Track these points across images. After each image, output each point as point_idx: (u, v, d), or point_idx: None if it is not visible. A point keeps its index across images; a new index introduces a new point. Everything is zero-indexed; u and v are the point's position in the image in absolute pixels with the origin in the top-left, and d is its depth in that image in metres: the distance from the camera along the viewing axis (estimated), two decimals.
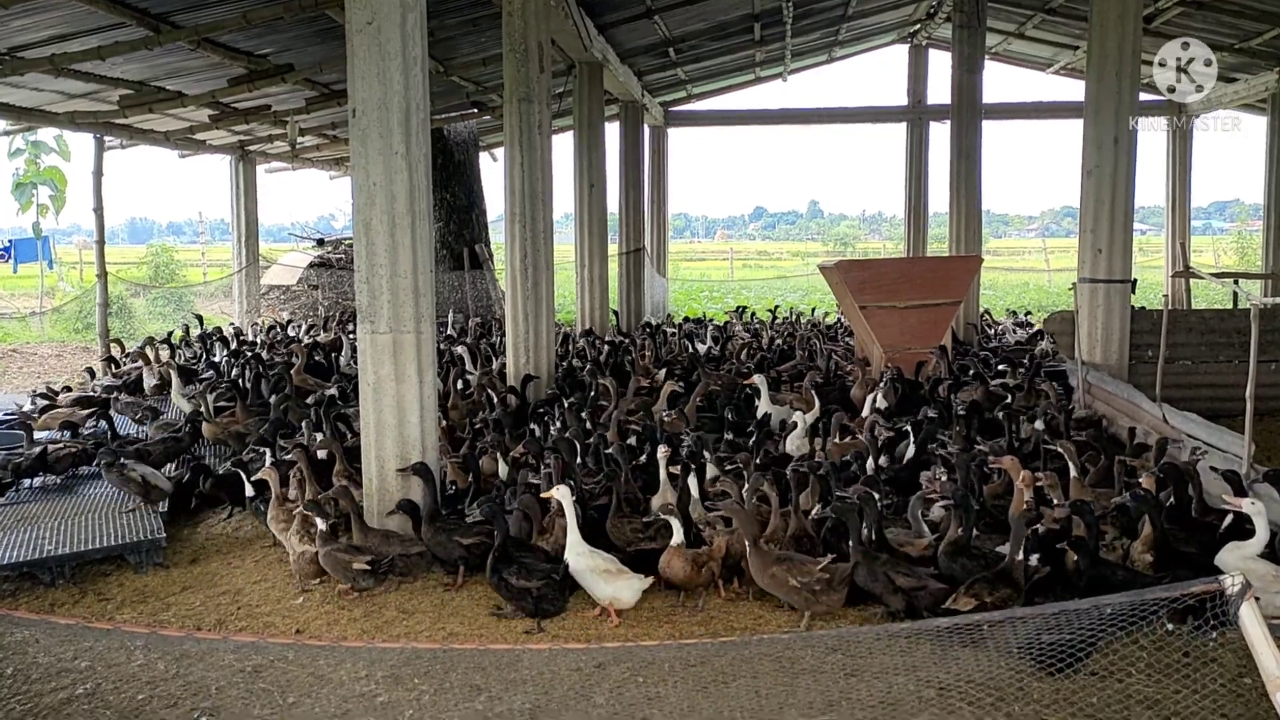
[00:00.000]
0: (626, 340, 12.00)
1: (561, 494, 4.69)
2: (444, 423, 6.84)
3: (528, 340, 9.03)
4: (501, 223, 9.38)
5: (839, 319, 14.54)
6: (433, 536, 5.13)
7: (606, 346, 11.31)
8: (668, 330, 13.52)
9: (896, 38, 18.46)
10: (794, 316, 15.17)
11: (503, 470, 5.89)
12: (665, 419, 7.05)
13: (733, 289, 25.77)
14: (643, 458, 6.05)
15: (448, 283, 16.49)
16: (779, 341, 12.05)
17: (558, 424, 6.93)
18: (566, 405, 7.41)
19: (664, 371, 9.73)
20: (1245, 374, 7.03)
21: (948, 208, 13.91)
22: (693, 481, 5.16)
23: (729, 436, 6.91)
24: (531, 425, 7.05)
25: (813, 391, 7.87)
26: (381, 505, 5.37)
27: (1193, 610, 3.22)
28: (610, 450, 5.88)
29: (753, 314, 15.78)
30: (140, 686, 3.66)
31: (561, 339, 12.28)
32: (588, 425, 6.97)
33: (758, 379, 8.13)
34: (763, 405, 7.79)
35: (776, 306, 16.87)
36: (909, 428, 6.46)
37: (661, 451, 5.63)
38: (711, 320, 15.49)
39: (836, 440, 6.67)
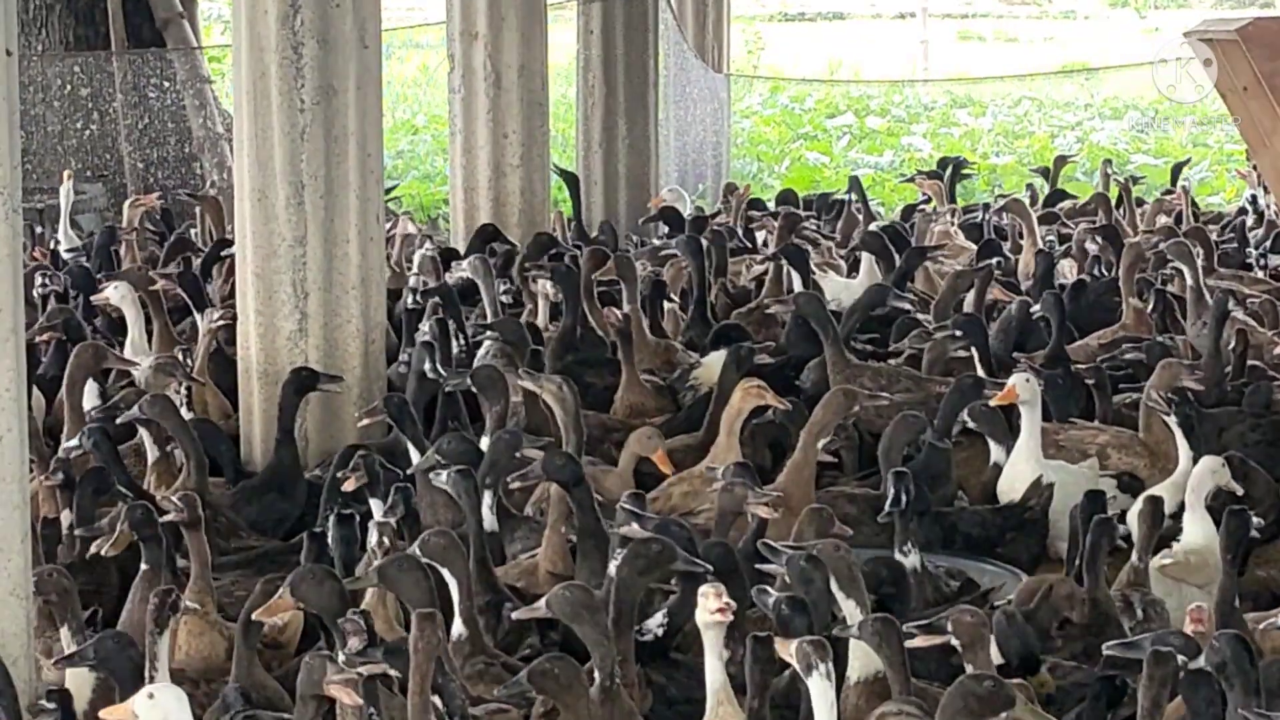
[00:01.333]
0: (601, 255, 10.27)
1: None
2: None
3: (300, 264, 8.09)
4: None
5: (1252, 201, 13.48)
6: None
7: (536, 286, 10.04)
8: (719, 229, 11.70)
9: None
10: (1116, 189, 13.39)
11: None
12: (740, 499, 6.31)
13: (923, 111, 24.89)
14: (655, 626, 5.66)
15: (61, 93, 15.25)
16: (1069, 267, 10.89)
17: (385, 528, 6.12)
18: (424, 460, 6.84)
19: (716, 362, 8.48)
20: None
21: None
22: None
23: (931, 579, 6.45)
24: (330, 519, 6.28)
25: (1176, 425, 7.27)
26: None
27: None
28: (512, 610, 5.59)
29: (994, 191, 14.60)
30: None
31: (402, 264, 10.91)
32: (486, 514, 6.45)
33: (1025, 386, 7.35)
34: (1019, 463, 7.25)
35: (1064, 162, 15.50)
36: None
37: (710, 609, 5.07)
38: (863, 203, 13.80)
39: None
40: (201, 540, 5.77)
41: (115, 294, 9.14)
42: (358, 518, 6.05)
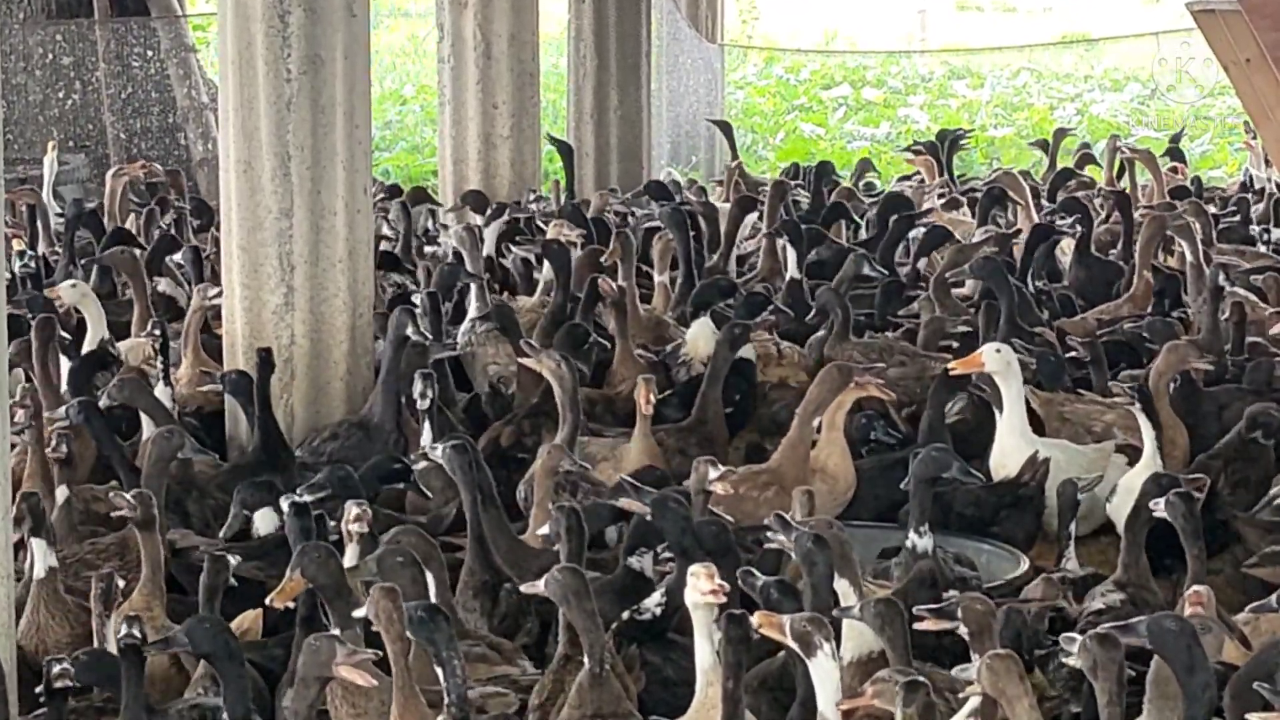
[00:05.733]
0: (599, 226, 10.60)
1: None
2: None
3: (286, 237, 8.01)
4: None
5: (1249, 179, 13.65)
6: None
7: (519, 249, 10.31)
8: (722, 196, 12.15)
9: None
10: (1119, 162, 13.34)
11: None
12: (703, 477, 6.26)
13: (921, 82, 25.39)
14: (653, 605, 5.64)
15: (43, 61, 15.22)
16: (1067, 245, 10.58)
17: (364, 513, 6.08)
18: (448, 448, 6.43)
19: (700, 333, 8.49)
20: None
21: None
22: None
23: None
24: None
25: (1138, 410, 7.20)
26: None
27: None
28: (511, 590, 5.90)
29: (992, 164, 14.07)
30: None
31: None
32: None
33: (995, 357, 7.26)
34: (1005, 437, 7.23)
35: (1064, 135, 14.99)
36: None
37: (702, 589, 5.03)
38: (863, 174, 14.34)
39: None
40: (155, 542, 5.61)
41: (72, 294, 8.76)
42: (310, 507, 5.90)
